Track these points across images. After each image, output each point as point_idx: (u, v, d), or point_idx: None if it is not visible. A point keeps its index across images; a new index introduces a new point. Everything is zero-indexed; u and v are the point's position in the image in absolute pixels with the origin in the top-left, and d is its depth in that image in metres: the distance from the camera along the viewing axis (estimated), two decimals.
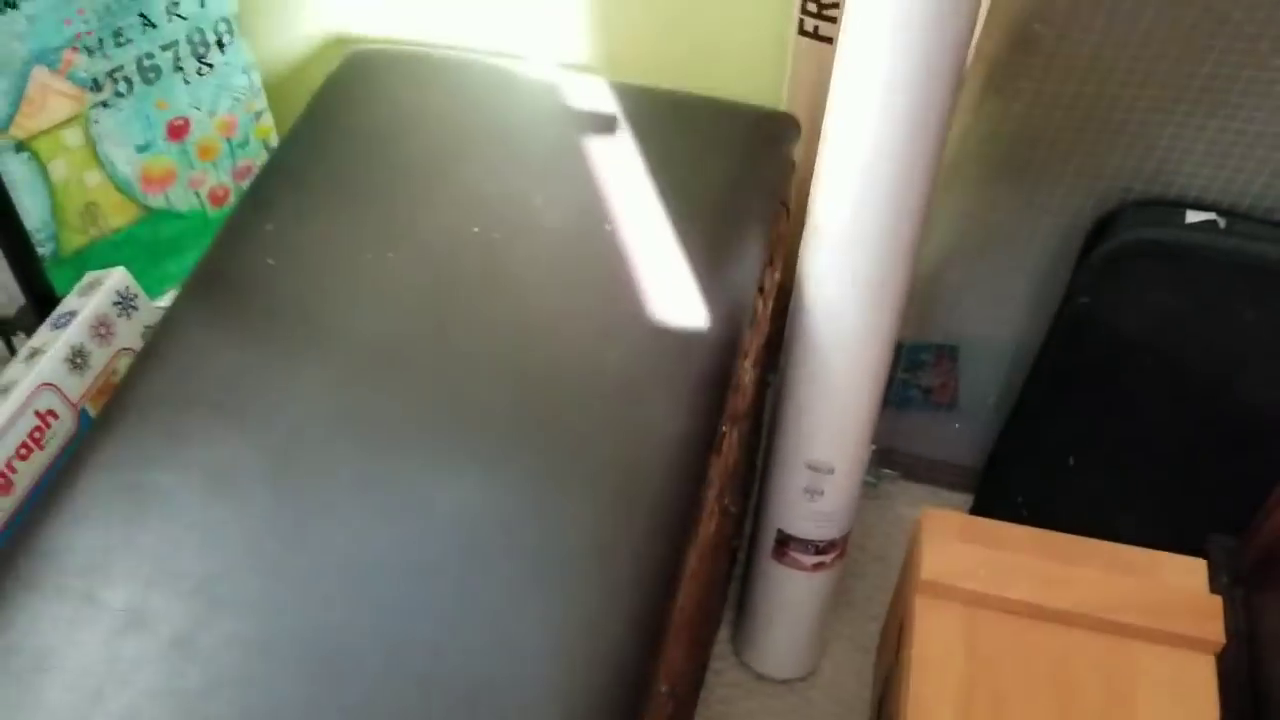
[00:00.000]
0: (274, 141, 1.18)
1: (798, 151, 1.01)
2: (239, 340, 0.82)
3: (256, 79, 1.12)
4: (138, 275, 1.11)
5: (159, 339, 0.83)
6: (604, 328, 0.83)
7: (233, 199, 1.17)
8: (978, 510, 1.25)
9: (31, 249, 0.98)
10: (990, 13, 0.92)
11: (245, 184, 1.18)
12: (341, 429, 0.77)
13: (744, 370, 0.89)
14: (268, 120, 1.16)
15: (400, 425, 0.77)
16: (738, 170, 0.96)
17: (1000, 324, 1.11)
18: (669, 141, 0.97)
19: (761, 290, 0.91)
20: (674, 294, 0.86)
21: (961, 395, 1.19)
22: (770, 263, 0.94)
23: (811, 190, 0.90)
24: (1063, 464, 1.17)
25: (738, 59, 1.10)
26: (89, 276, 1.00)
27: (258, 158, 1.17)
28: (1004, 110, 0.96)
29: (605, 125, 0.98)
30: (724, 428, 0.83)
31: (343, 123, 0.97)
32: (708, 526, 0.83)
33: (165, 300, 1.15)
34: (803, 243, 0.93)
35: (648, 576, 0.73)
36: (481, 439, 0.77)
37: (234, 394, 0.78)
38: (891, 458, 1.29)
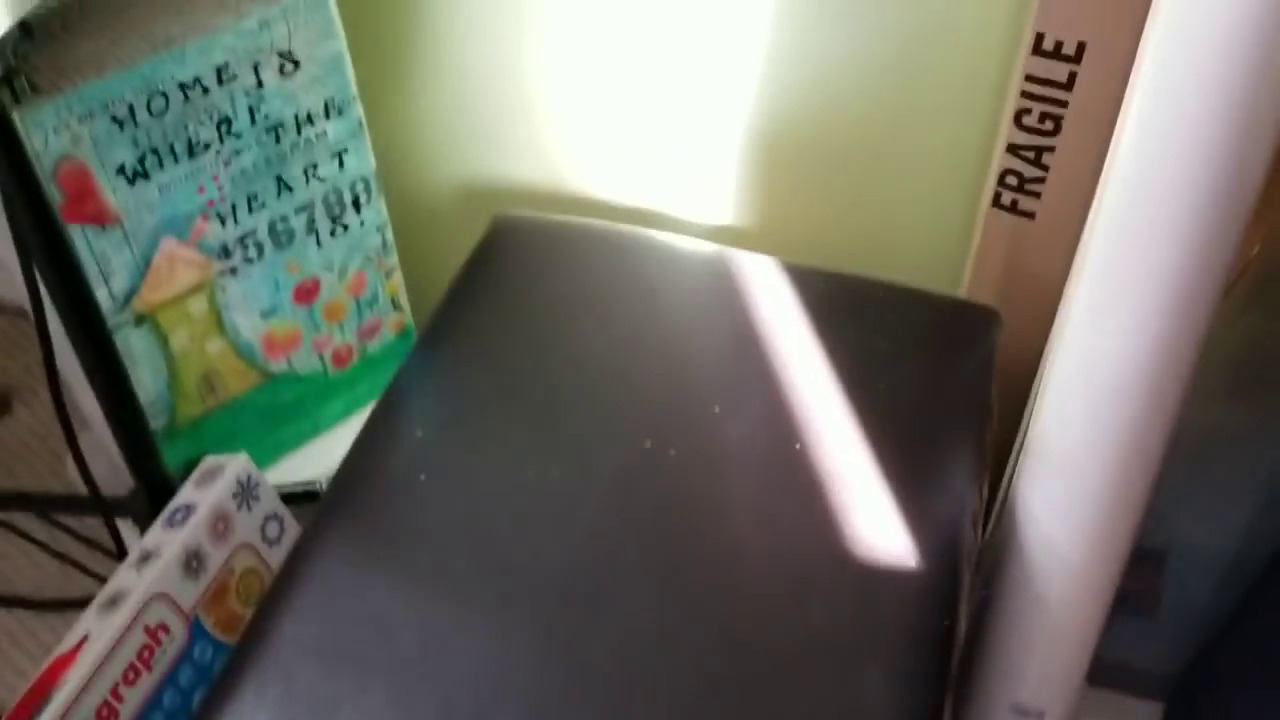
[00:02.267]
0: (403, 298, 1.09)
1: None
2: (390, 578, 0.71)
3: (390, 236, 1.03)
4: (253, 441, 1.03)
5: (295, 570, 0.73)
6: (804, 576, 0.72)
7: (355, 359, 1.08)
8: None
9: (146, 429, 0.90)
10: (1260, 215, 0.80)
11: (370, 343, 1.09)
12: (504, 703, 0.66)
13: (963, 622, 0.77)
14: (398, 278, 1.07)
15: (572, 703, 0.66)
16: (938, 372, 0.85)
17: (1219, 534, 0.99)
18: (853, 336, 0.86)
19: (974, 522, 0.79)
20: (881, 531, 0.74)
21: (1165, 603, 1.06)
22: (982, 486, 0.82)
23: (1035, 403, 0.78)
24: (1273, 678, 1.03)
25: (909, 235, 0.99)
26: (207, 463, 0.91)
27: (386, 315, 1.08)
28: (1261, 326, 0.84)
29: (780, 315, 0.87)
30: (948, 701, 0.71)
31: (492, 307, 0.88)
32: None
33: (278, 467, 1.07)
34: (1019, 464, 0.81)
35: None
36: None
37: (384, 651, 0.68)
38: None
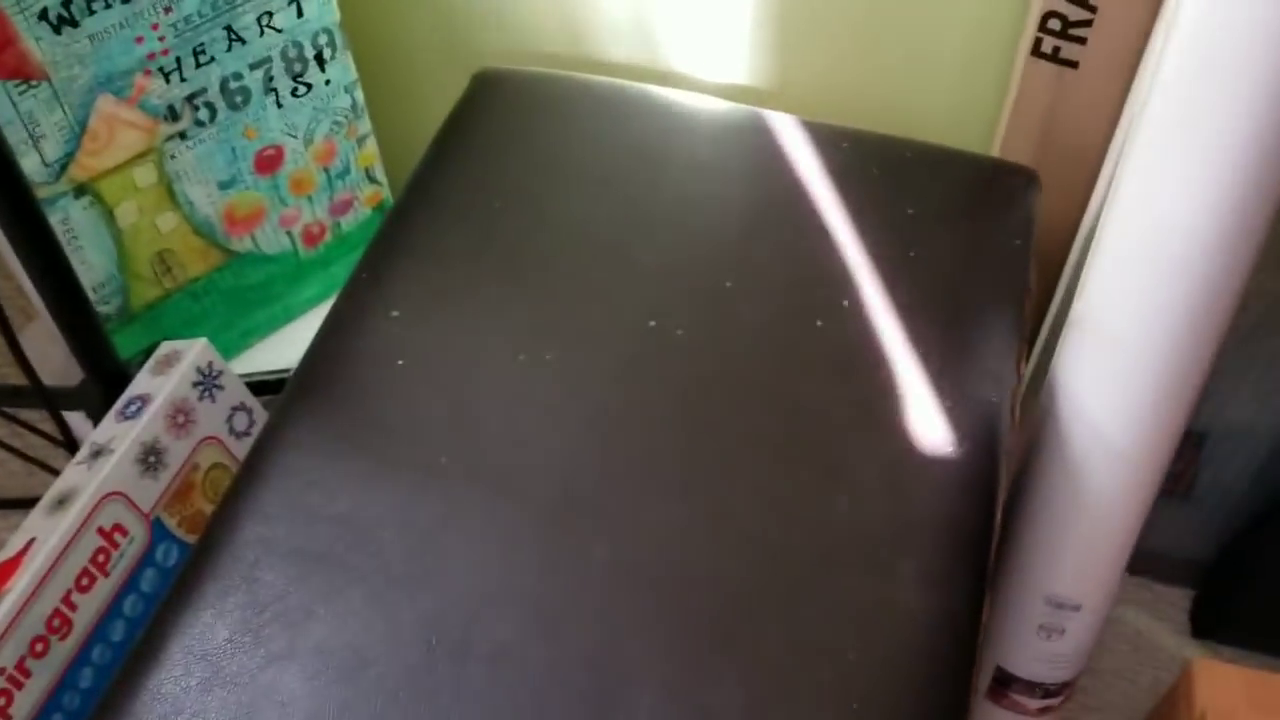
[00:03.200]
0: (379, 170, 0.99)
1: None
2: (367, 473, 0.63)
3: (360, 99, 0.93)
4: (218, 329, 0.94)
5: (260, 464, 0.65)
6: (829, 467, 0.64)
7: (328, 237, 0.99)
8: (1203, 608, 1.05)
9: (90, 311, 0.81)
10: None
11: (344, 220, 0.99)
12: (497, 609, 0.59)
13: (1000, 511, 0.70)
14: (372, 146, 0.97)
15: (572, 608, 0.59)
16: (973, 240, 0.76)
17: (1264, 416, 0.91)
18: (880, 201, 0.77)
19: (1013, 407, 0.71)
20: (913, 415, 0.67)
21: (1199, 484, 0.99)
22: (1020, 365, 0.74)
23: (1083, 272, 0.70)
24: None
25: (938, 89, 0.89)
26: (164, 348, 0.83)
27: (360, 189, 0.98)
28: None
29: (799, 178, 0.78)
30: (987, 597, 0.64)
31: (474, 172, 0.78)
32: None
33: (247, 356, 0.98)
34: (1063, 339, 0.73)
35: None
36: (681, 632, 0.58)
37: (361, 553, 0.60)
38: None
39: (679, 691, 0.57)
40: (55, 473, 1.05)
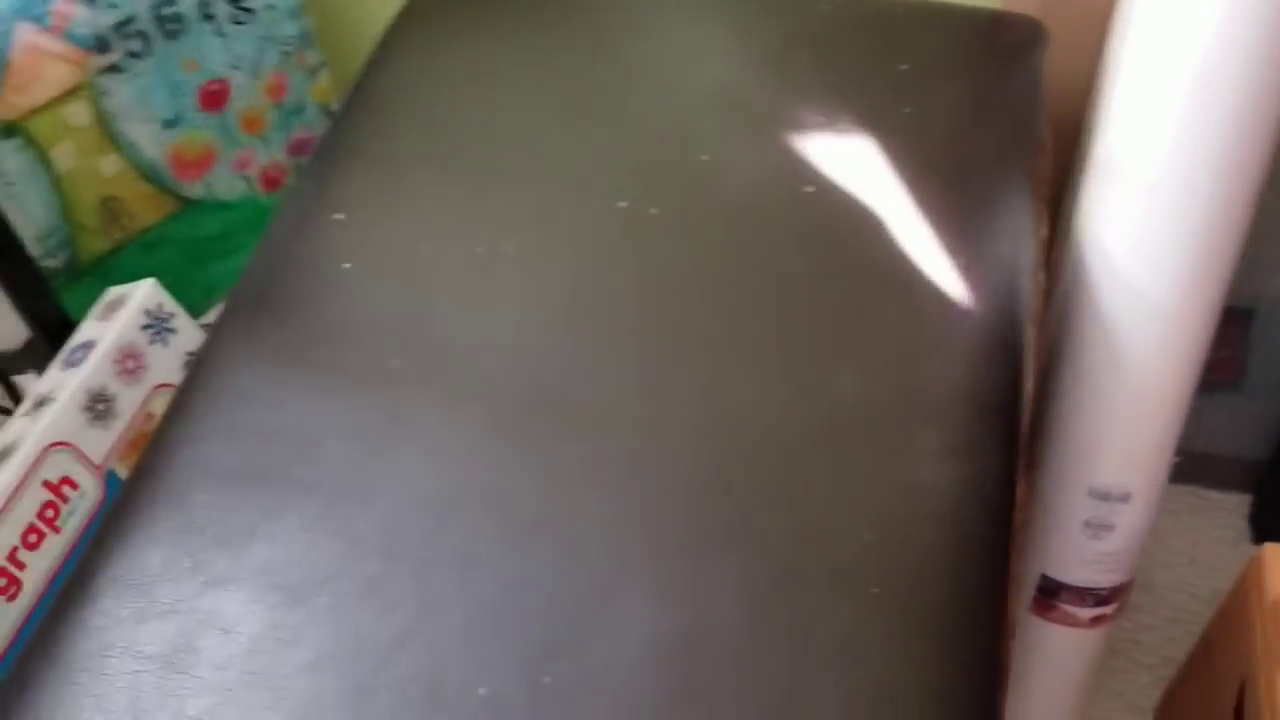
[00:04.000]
0: (336, 105, 0.93)
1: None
2: (312, 384, 0.57)
3: (308, 25, 0.87)
4: (178, 284, 0.87)
5: (196, 385, 0.58)
6: (830, 340, 0.57)
7: (289, 180, 0.93)
8: (1262, 510, 0.97)
9: (30, 264, 0.75)
10: None
11: (304, 161, 0.93)
12: (462, 516, 0.52)
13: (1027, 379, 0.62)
14: (325, 78, 0.91)
15: (547, 509, 0.52)
16: (977, 96, 0.68)
17: None
18: (867, 59, 0.70)
19: (1034, 267, 0.63)
20: (920, 282, 0.59)
21: (1251, 371, 0.91)
22: (1039, 226, 0.66)
23: (1096, 115, 0.63)
24: None
25: None
26: (110, 294, 0.77)
27: (317, 126, 0.92)
28: None
29: (776, 43, 0.71)
30: (1020, 467, 0.56)
31: (421, 72, 0.72)
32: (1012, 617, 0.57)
33: (211, 316, 0.92)
34: (1082, 188, 0.66)
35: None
36: (671, 529, 0.51)
37: (308, 466, 0.54)
38: None
39: (673, 591, 0.50)
40: None
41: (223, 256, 0.92)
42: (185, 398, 0.58)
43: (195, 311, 0.91)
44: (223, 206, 0.90)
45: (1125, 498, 0.71)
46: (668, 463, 0.54)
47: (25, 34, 0.73)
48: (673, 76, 0.69)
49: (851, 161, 0.64)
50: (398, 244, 0.62)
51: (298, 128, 0.91)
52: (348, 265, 0.62)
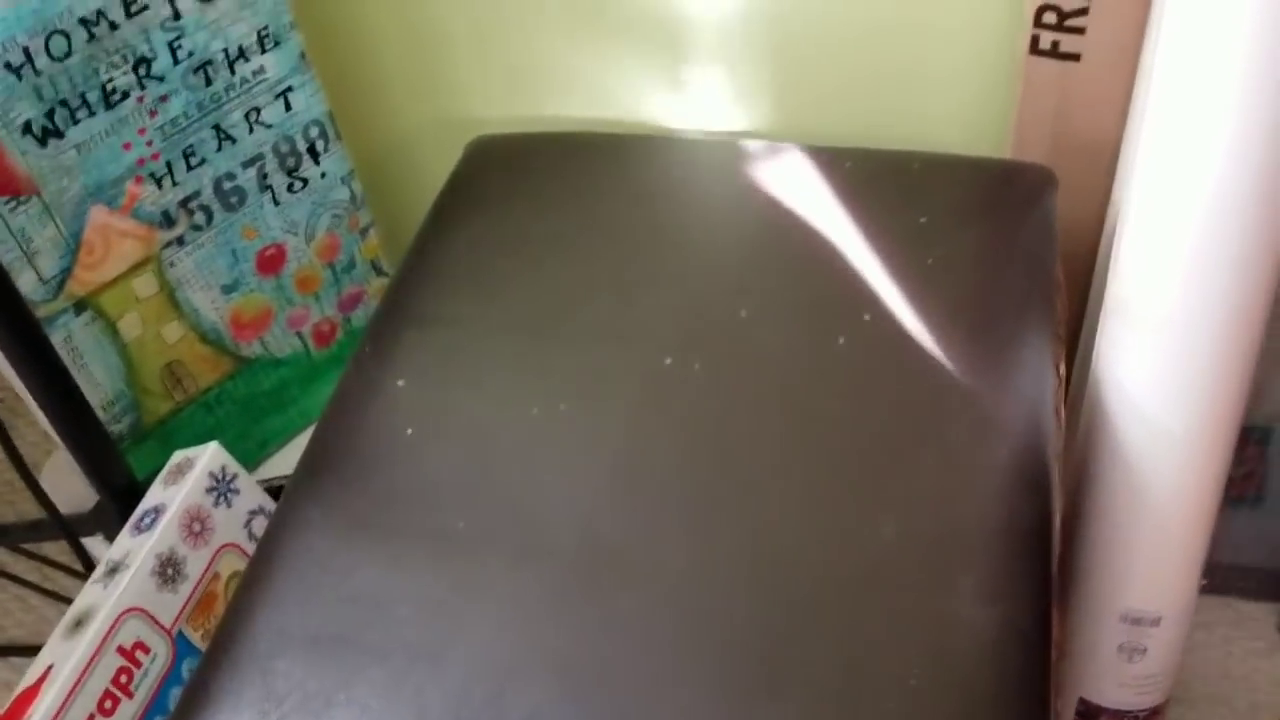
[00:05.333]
0: (384, 262, 0.98)
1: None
2: (381, 548, 0.60)
3: (358, 189, 0.92)
4: (235, 438, 0.92)
5: (271, 551, 0.62)
6: (869, 484, 0.60)
7: (339, 335, 0.98)
8: None
9: (101, 431, 0.79)
10: None
11: (354, 315, 0.98)
12: (526, 679, 0.55)
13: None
14: (374, 236, 0.96)
15: (606, 666, 0.55)
16: (994, 243, 0.73)
17: None
18: (889, 213, 0.74)
19: (1057, 408, 0.67)
20: (953, 425, 0.63)
21: (1269, 487, 0.93)
22: (1059, 365, 0.70)
23: (1112, 261, 0.67)
24: None
25: (941, 100, 0.87)
26: (176, 458, 0.81)
27: (367, 283, 0.97)
28: None
29: (806, 202, 0.75)
30: (1053, 600, 0.59)
31: (474, 234, 0.76)
32: None
33: (265, 467, 0.96)
34: (1101, 330, 0.69)
35: None
36: (727, 679, 0.54)
37: (380, 632, 0.57)
38: None
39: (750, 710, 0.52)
40: None
41: (276, 410, 0.96)
42: (261, 564, 0.61)
43: (250, 463, 0.95)
44: (276, 363, 0.94)
45: (1156, 621, 0.73)
46: (720, 613, 0.56)
47: (99, 215, 0.78)
48: (712, 240, 0.73)
49: (881, 313, 0.68)
50: (457, 409, 0.66)
51: (348, 285, 0.96)
52: (410, 431, 0.65)
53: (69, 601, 0.95)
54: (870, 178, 0.76)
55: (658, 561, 0.58)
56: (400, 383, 0.68)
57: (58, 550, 0.99)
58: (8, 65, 0.70)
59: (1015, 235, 0.74)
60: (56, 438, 0.81)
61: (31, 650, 1.05)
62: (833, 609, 0.56)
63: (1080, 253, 0.84)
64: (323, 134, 0.88)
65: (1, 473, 1.18)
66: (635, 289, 0.71)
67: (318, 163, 0.89)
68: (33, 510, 1.13)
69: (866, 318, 0.67)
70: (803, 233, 0.73)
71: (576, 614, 0.57)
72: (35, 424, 1.13)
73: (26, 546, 0.90)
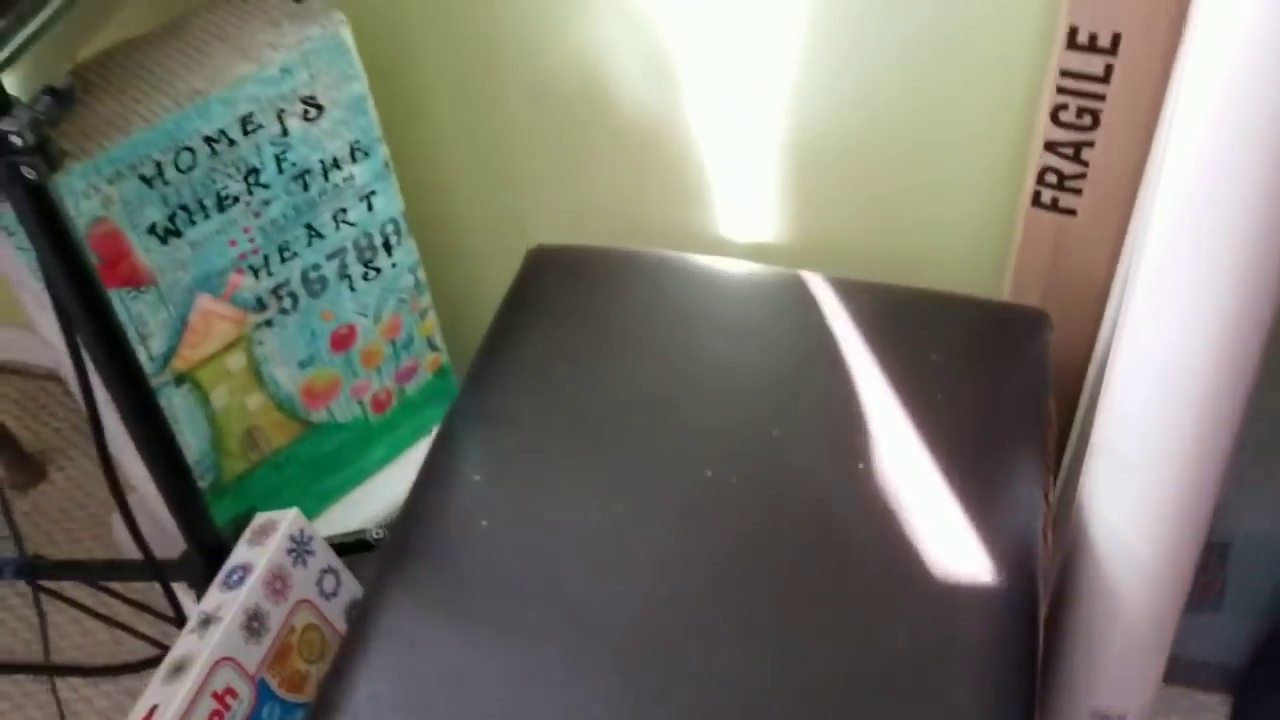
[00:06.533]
0: (438, 339, 1.08)
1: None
2: (461, 630, 0.70)
3: (422, 276, 1.02)
4: (298, 495, 1.01)
5: (365, 626, 0.71)
6: (877, 603, 0.71)
7: (394, 403, 1.07)
8: (1240, 712, 1.09)
9: (195, 489, 0.88)
10: None
11: (408, 386, 1.07)
12: None
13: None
14: (432, 317, 1.06)
15: None
16: (994, 380, 0.83)
17: None
18: (906, 349, 0.84)
19: (1044, 532, 0.77)
20: (955, 547, 0.73)
21: (1228, 594, 1.04)
22: (1048, 493, 0.80)
23: (1099, 403, 0.77)
24: None
25: (949, 240, 0.98)
26: (259, 520, 0.90)
27: (422, 356, 1.07)
28: None
29: (830, 332, 0.86)
30: (1037, 715, 0.69)
31: (535, 340, 0.86)
32: None
33: (324, 519, 1.05)
34: (1087, 466, 0.79)
35: None
36: None
37: (461, 709, 0.66)
38: None
39: None
40: (140, 637, 1.12)
41: (336, 469, 1.05)
42: (357, 637, 0.71)
43: (311, 517, 1.04)
44: (339, 428, 1.04)
45: (1123, 718, 0.84)
46: (754, 703, 0.67)
47: (203, 302, 0.88)
48: (749, 362, 0.84)
49: (895, 442, 0.78)
50: (526, 505, 0.76)
51: (405, 359, 1.06)
52: (485, 523, 0.75)
53: (136, 634, 1.05)
54: (888, 313, 0.87)
55: (702, 655, 0.68)
56: (476, 478, 0.78)
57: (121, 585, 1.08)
58: (141, 177, 0.80)
59: (1012, 374, 0.84)
60: (145, 488, 0.90)
61: (99, 672, 1.14)
62: (851, 712, 0.66)
63: (1070, 383, 0.95)
64: (396, 230, 0.98)
65: (70, 512, 1.27)
66: (681, 404, 0.81)
67: (390, 255, 0.98)
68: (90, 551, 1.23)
69: (882, 446, 0.78)
70: (829, 361, 0.83)
71: (633, 698, 0.67)
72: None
73: (110, 584, 0.99)
